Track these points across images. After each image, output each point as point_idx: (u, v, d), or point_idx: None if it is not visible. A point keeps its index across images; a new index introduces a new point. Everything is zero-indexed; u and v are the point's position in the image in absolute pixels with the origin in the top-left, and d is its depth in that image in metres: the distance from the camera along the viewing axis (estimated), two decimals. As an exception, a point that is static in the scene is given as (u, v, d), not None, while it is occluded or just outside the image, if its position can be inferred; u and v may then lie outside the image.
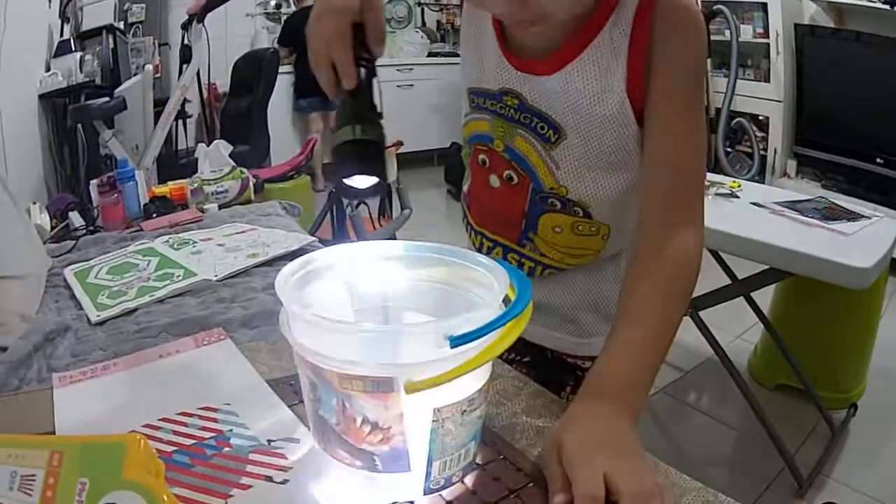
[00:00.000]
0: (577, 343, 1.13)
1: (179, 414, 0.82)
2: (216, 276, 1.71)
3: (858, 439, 2.52)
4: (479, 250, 1.11)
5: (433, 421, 0.59)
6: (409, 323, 0.55)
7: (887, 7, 4.33)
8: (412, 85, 7.07)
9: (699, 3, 5.23)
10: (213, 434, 0.78)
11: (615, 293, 0.95)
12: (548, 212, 1.00)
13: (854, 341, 2.65)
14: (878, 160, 4.43)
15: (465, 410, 0.61)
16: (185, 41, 4.57)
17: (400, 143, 3.28)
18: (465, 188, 1.15)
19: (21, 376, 1.26)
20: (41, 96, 4.46)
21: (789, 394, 2.73)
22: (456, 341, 0.53)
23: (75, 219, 2.60)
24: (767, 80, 5.15)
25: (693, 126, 0.89)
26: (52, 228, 2.59)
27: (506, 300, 0.61)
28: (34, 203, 2.67)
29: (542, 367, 1.17)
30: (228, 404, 0.84)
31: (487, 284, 0.65)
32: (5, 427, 0.83)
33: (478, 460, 0.69)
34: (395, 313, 0.72)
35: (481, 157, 1.05)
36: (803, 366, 2.56)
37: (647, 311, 0.82)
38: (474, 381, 0.61)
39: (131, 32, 5.96)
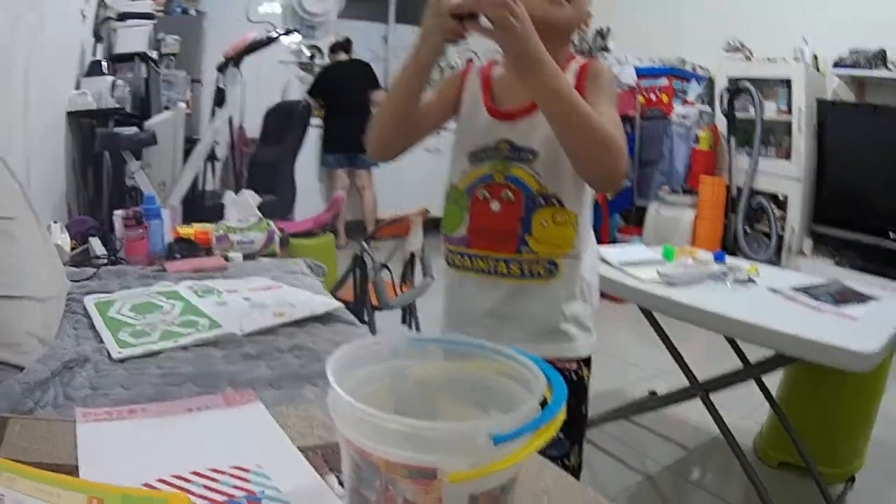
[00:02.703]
0: (566, 349, 1.45)
1: (210, 469, 0.84)
2: (242, 330, 1.72)
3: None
4: (473, 269, 1.46)
5: (469, 505, 0.62)
6: (458, 423, 0.59)
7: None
8: (440, 150, 7.08)
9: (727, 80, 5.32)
10: (245, 493, 0.79)
11: (585, 309, 1.46)
12: (537, 209, 1.37)
13: (857, 418, 2.67)
14: (891, 235, 4.48)
15: (498, 496, 0.64)
16: (220, 84, 4.61)
17: (426, 212, 3.30)
18: (452, 234, 1.48)
19: (36, 399, 1.27)
20: (69, 113, 4.43)
21: (790, 471, 2.74)
22: (499, 439, 0.57)
23: (96, 245, 2.61)
24: (788, 157, 5.20)
25: (613, 114, 1.31)
26: (72, 250, 2.61)
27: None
28: (55, 222, 2.67)
29: None
30: (260, 466, 0.85)
31: (524, 380, 0.69)
32: (25, 452, 0.85)
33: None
34: (434, 403, 0.75)
35: (482, 193, 1.42)
36: (806, 444, 2.57)
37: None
38: (508, 469, 0.64)
39: (164, 64, 5.98)
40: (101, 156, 4.51)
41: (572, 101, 1.20)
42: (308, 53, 7.33)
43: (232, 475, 0.83)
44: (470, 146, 1.45)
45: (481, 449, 0.57)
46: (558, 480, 0.89)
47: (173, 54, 6.15)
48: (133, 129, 4.40)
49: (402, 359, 0.75)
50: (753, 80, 5.23)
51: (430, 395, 0.75)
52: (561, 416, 0.62)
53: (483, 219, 1.42)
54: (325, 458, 0.88)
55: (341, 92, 6.59)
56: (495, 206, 1.40)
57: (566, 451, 1.46)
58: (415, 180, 6.36)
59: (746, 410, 3.21)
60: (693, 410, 2.97)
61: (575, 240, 1.40)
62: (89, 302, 1.90)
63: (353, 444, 0.61)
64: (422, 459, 0.58)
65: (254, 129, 6.01)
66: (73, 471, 0.82)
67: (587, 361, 1.49)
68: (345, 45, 6.82)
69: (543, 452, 0.76)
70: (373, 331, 3.02)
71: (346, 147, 6.64)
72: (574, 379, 1.45)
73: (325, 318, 1.88)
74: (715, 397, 2.55)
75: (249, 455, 0.88)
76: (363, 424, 0.59)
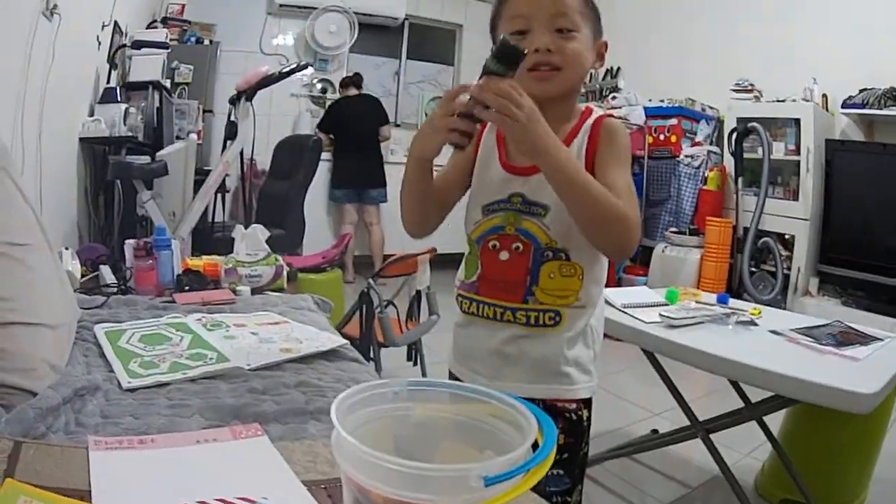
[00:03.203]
0: (566, 390, 1.46)
1: (217, 500, 0.86)
2: (249, 365, 1.73)
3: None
4: (480, 315, 1.49)
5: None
6: (452, 465, 0.62)
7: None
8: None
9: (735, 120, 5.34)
10: (250, 524, 0.82)
11: (588, 354, 1.48)
12: (545, 262, 1.41)
13: (859, 456, 2.66)
14: (896, 274, 4.50)
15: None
16: (232, 117, 4.63)
17: (434, 251, 3.33)
18: (466, 280, 1.53)
19: (48, 424, 1.29)
20: (82, 140, 4.46)
21: (792, 507, 2.74)
22: (490, 481, 0.60)
23: (106, 273, 2.65)
24: (796, 198, 5.21)
25: (625, 180, 1.37)
26: (82, 276, 2.65)
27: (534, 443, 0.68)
28: (66, 248, 2.71)
29: None
30: (266, 498, 0.88)
31: (517, 425, 0.72)
32: (38, 476, 0.88)
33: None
34: (433, 442, 0.79)
35: (492, 243, 1.46)
36: (808, 481, 2.57)
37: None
38: (498, 506, 0.68)
39: (177, 93, 6.05)
40: (112, 184, 4.54)
41: (583, 185, 1.26)
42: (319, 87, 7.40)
43: (239, 507, 0.86)
44: (484, 199, 1.50)
45: (473, 489, 0.61)
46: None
47: (186, 83, 6.21)
48: (145, 159, 4.43)
49: (404, 401, 0.79)
50: (762, 120, 5.26)
51: (429, 435, 0.78)
52: (550, 458, 0.65)
53: (492, 267, 1.47)
54: (328, 492, 0.91)
55: (351, 127, 6.64)
56: (504, 255, 1.45)
57: (567, 489, 1.48)
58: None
59: (748, 448, 3.21)
60: (695, 449, 2.98)
61: (581, 292, 1.43)
62: (100, 331, 1.93)
63: (354, 480, 0.65)
64: (418, 498, 0.61)
65: (264, 161, 6.05)
66: (84, 496, 0.85)
67: (587, 402, 1.52)
68: (355, 79, 6.85)
69: (545, 491, 0.79)
70: (378, 367, 3.04)
71: (355, 182, 6.71)
72: (574, 419, 1.48)
73: (330, 355, 1.90)
74: (716, 434, 2.57)
75: (255, 487, 0.91)
76: (363, 463, 0.63)
